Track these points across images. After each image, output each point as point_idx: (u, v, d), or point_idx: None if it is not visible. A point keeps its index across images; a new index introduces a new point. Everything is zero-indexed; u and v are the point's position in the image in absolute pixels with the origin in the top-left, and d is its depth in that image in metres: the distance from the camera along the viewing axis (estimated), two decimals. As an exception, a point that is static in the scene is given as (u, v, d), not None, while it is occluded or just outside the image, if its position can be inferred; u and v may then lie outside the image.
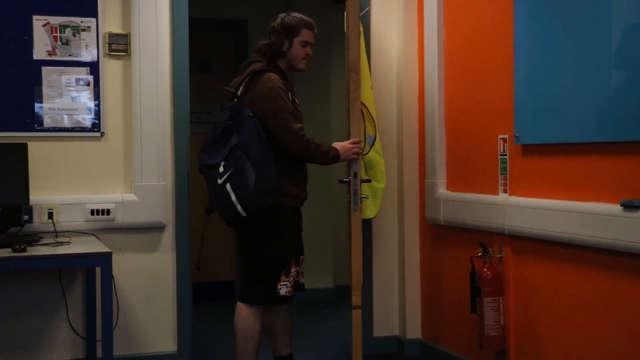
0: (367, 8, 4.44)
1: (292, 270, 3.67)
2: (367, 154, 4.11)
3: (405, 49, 4.64)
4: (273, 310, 3.77)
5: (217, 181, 3.52)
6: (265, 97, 3.58)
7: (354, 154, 3.76)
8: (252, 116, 3.53)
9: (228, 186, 3.49)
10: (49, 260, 3.53)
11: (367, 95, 4.15)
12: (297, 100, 3.78)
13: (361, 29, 4.27)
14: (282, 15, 3.76)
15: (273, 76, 3.61)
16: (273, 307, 3.76)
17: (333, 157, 3.72)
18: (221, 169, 3.52)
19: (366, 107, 4.10)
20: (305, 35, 3.73)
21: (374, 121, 4.17)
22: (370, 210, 4.25)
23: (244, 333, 3.67)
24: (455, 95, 4.19)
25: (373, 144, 4.14)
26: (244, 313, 3.67)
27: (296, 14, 3.77)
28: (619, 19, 2.99)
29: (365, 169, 4.12)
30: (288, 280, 3.65)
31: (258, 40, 3.83)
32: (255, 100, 3.58)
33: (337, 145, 3.75)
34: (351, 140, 3.77)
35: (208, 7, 6.02)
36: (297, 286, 3.73)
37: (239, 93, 3.65)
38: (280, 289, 3.63)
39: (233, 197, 3.49)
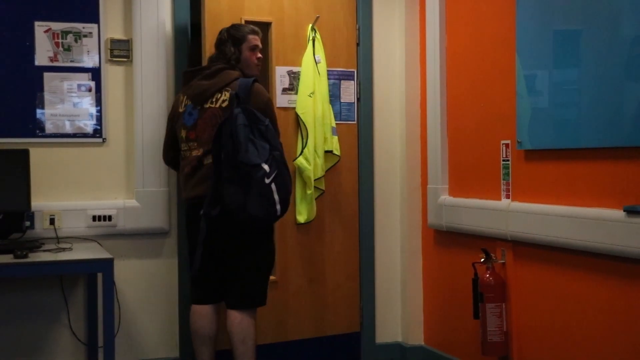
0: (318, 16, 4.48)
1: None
2: (295, 160, 4.31)
3: (407, 54, 4.64)
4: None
5: (264, 180, 3.54)
6: (268, 107, 3.76)
7: None
8: (268, 124, 3.64)
9: (273, 186, 3.56)
10: (51, 266, 3.53)
11: (303, 104, 4.35)
12: None
13: (312, 35, 4.44)
14: (225, 28, 3.89)
15: (262, 87, 3.79)
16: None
17: None
18: (267, 169, 3.55)
19: (299, 116, 4.36)
20: (252, 40, 3.84)
21: (306, 130, 4.34)
22: (302, 215, 4.40)
23: (240, 337, 3.67)
24: (458, 100, 4.19)
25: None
26: (238, 317, 3.68)
27: (237, 24, 3.95)
28: (622, 23, 2.99)
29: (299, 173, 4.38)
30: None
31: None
32: (257, 109, 3.65)
33: None
34: None
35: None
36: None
37: (225, 99, 3.68)
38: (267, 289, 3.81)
39: (276, 196, 3.56)
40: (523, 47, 3.54)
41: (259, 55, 3.89)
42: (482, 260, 3.74)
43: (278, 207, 3.57)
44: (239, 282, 3.72)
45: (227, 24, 3.97)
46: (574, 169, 3.25)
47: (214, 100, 3.70)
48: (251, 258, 3.71)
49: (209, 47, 4.09)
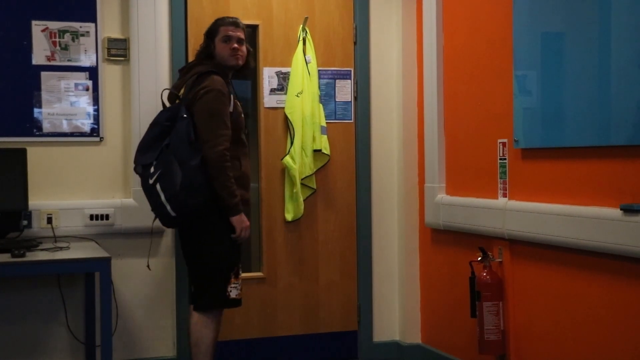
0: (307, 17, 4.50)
1: (240, 272, 3.68)
2: (282, 159, 4.43)
3: (404, 53, 4.64)
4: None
5: (148, 181, 3.56)
6: (204, 97, 3.58)
7: (242, 232, 3.63)
8: (185, 117, 3.56)
9: (158, 186, 3.52)
10: (48, 265, 3.53)
11: (291, 103, 4.42)
12: (239, 104, 3.79)
13: (303, 35, 4.48)
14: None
15: (216, 78, 3.63)
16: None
17: (237, 203, 3.59)
18: (152, 169, 3.55)
19: (287, 116, 4.44)
20: (223, 31, 3.73)
21: (293, 129, 4.41)
22: (289, 213, 4.47)
23: (193, 338, 3.63)
24: (455, 99, 4.19)
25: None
26: (195, 318, 3.65)
27: (220, 17, 3.87)
28: (618, 22, 2.99)
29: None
30: (238, 283, 3.64)
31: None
32: (194, 101, 3.61)
33: (243, 215, 3.64)
34: (246, 229, 3.66)
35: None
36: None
37: (181, 94, 3.73)
38: (231, 291, 3.62)
39: (162, 197, 3.51)
40: (520, 46, 3.55)
41: (234, 45, 3.72)
42: (479, 258, 3.74)
43: (168, 207, 3.51)
44: (194, 284, 3.75)
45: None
46: (571, 168, 3.26)
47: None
48: (200, 260, 3.66)
49: (192, 51, 4.18)
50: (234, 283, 3.63)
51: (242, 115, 3.79)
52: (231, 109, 3.65)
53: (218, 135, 3.53)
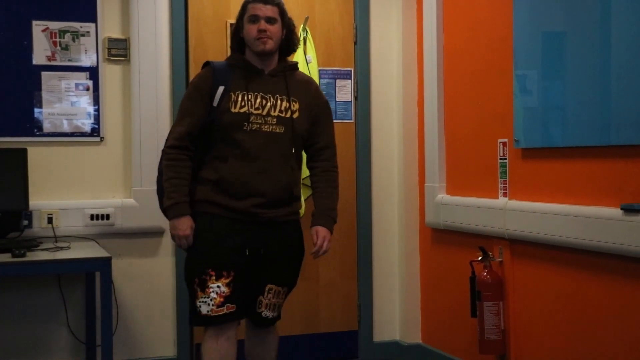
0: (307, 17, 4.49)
1: (212, 284, 3.04)
2: None
3: (404, 53, 4.64)
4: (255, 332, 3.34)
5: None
6: (187, 88, 3.33)
7: (178, 238, 3.11)
8: None
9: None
10: (49, 265, 3.53)
11: None
12: (247, 97, 3.13)
13: (304, 35, 4.46)
14: None
15: (201, 71, 3.22)
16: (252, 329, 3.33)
17: (168, 207, 3.10)
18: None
19: None
20: (250, 9, 3.14)
21: None
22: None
23: (203, 354, 3.16)
24: (455, 99, 4.19)
25: None
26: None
27: None
28: (619, 21, 2.99)
29: None
30: (208, 297, 3.04)
31: None
32: None
33: (183, 220, 3.09)
34: (188, 237, 3.10)
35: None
36: (257, 318, 3.24)
37: None
38: (200, 307, 3.06)
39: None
40: (520, 46, 3.55)
41: (262, 26, 3.10)
42: (480, 258, 3.74)
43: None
44: None
45: (212, 28, 4.00)
46: (571, 167, 3.26)
47: None
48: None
49: (192, 51, 4.15)
50: (202, 297, 3.05)
51: (244, 110, 3.10)
52: (215, 103, 3.11)
53: (171, 132, 3.21)
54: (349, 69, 4.67)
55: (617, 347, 3.02)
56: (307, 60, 4.46)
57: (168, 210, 3.11)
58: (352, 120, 4.68)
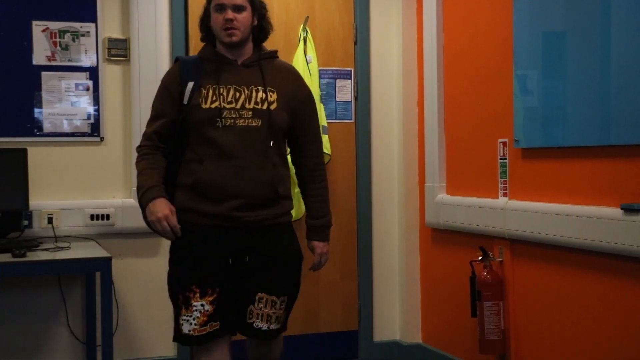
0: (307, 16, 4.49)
1: (196, 303, 2.85)
2: None
3: (404, 53, 4.65)
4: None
5: None
6: None
7: (158, 223, 2.89)
8: None
9: None
10: (49, 265, 3.53)
11: None
12: (218, 91, 2.90)
13: (304, 35, 4.47)
14: None
15: (171, 68, 3.06)
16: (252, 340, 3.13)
17: (140, 196, 2.91)
18: None
19: None
20: None
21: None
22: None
23: None
24: (455, 99, 4.19)
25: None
26: None
27: None
28: (619, 21, 3.00)
29: None
30: (191, 315, 2.85)
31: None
32: None
33: (158, 202, 2.87)
34: (168, 217, 2.88)
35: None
36: (252, 330, 3.00)
37: None
38: (182, 325, 2.87)
39: None
40: (520, 46, 3.55)
41: (228, 15, 2.86)
42: (480, 258, 3.74)
43: None
44: None
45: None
46: (572, 167, 3.26)
47: None
48: None
49: (192, 51, 4.16)
50: (185, 315, 2.87)
51: (215, 105, 2.87)
52: (185, 100, 2.90)
53: (144, 133, 3.03)
54: (349, 69, 4.67)
55: (617, 347, 3.02)
56: (307, 60, 4.46)
57: (141, 199, 2.89)
58: (352, 120, 4.68)
